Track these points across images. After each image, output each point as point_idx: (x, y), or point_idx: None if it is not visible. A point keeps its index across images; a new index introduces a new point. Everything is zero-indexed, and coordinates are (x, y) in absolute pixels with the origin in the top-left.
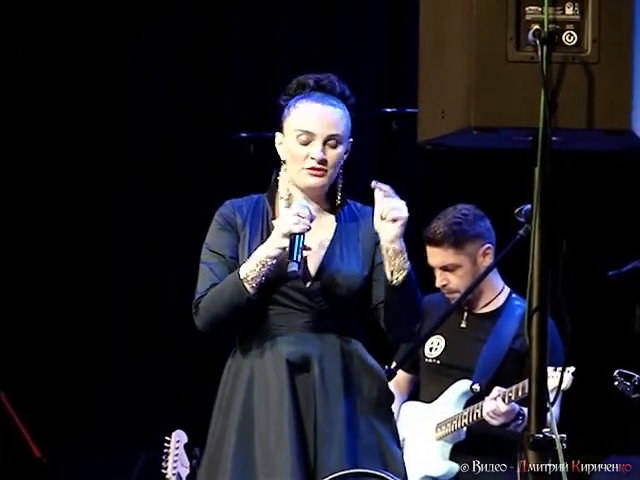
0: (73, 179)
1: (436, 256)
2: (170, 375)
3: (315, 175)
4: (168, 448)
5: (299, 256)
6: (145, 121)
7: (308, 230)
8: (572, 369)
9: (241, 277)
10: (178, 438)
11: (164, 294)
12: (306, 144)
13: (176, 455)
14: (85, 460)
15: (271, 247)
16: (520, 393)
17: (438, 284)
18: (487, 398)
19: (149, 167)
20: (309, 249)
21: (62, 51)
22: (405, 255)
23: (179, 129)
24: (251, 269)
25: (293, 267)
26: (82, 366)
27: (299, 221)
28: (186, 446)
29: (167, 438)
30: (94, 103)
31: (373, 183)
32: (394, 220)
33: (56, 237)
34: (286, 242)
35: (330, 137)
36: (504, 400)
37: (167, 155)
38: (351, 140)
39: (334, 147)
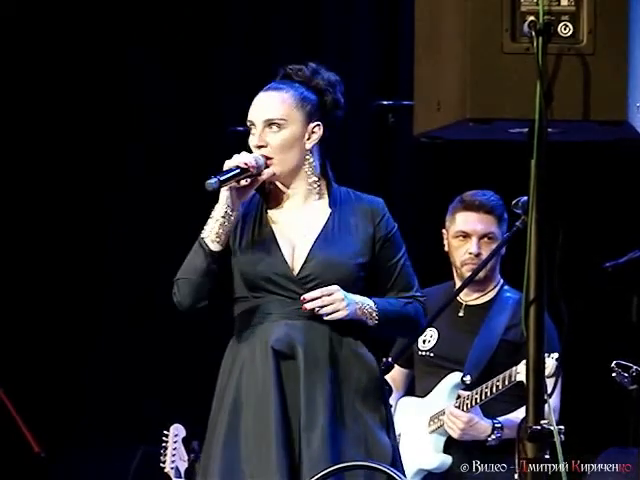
0: (73, 179)
1: (483, 223)
2: (168, 369)
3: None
4: (166, 442)
5: (224, 177)
6: (144, 120)
7: (246, 170)
8: (556, 355)
9: (202, 236)
10: (176, 432)
11: (162, 288)
12: (254, 134)
13: (174, 449)
14: (83, 455)
15: (221, 202)
16: (487, 394)
17: (473, 251)
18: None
19: (149, 166)
20: (239, 185)
21: (62, 50)
22: (366, 309)
23: (177, 126)
24: (209, 227)
25: (211, 180)
26: (80, 361)
27: (240, 159)
28: (184, 440)
29: (165, 432)
30: (94, 102)
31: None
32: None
33: (56, 237)
34: (228, 194)
35: (267, 121)
36: (464, 407)
37: (166, 153)
38: (318, 124)
39: (276, 131)
